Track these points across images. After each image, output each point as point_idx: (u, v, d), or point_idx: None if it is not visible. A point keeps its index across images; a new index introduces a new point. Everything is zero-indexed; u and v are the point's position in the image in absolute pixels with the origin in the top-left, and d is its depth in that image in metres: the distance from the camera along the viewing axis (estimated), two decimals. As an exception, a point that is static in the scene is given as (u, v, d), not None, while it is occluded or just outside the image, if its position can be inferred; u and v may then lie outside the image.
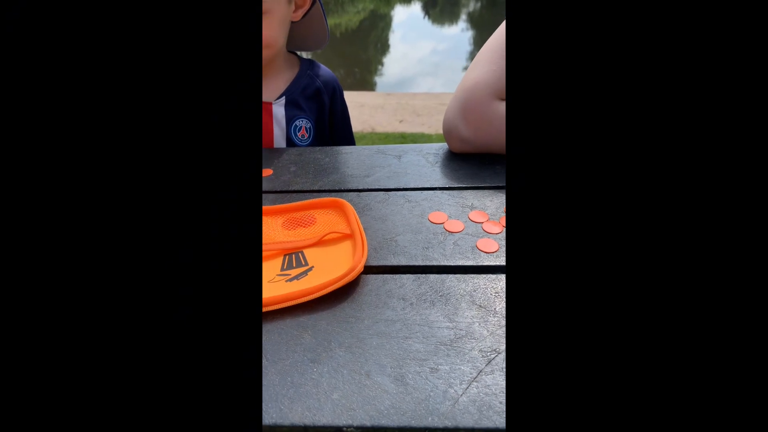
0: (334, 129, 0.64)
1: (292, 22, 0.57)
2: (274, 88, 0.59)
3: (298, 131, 0.59)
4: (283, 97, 0.58)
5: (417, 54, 5.41)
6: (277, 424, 0.22)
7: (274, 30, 0.52)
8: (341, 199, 0.38)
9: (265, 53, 0.54)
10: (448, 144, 0.49)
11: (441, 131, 2.51)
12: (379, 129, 2.55)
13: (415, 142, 2.31)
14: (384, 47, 5.83)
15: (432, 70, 4.71)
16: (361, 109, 2.90)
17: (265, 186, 0.44)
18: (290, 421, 0.22)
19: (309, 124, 0.60)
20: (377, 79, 4.38)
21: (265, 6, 0.49)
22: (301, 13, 0.56)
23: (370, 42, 6.03)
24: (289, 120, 0.58)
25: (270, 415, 0.22)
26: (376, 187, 0.43)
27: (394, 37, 6.51)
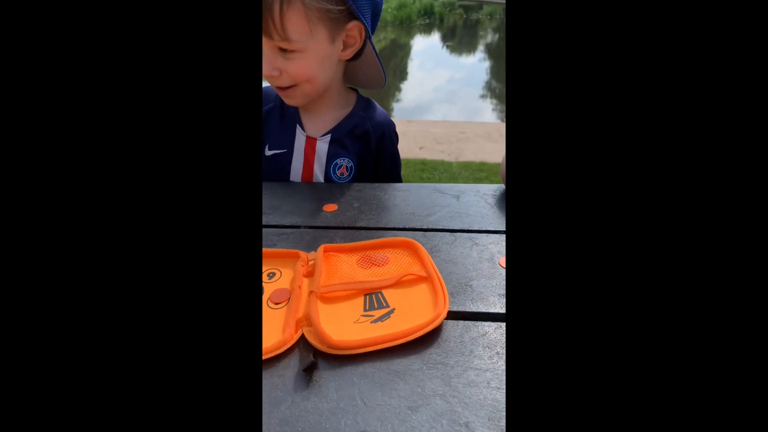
0: (381, 171, 0.65)
1: (348, 61, 0.59)
2: (322, 125, 0.61)
3: (338, 169, 0.60)
4: (329, 134, 0.60)
5: (434, 82, 5.53)
6: (388, 473, 0.22)
7: (312, 67, 0.54)
8: (413, 240, 0.39)
9: (307, 89, 0.56)
10: (506, 187, 0.50)
11: (461, 159, 2.55)
12: (401, 155, 2.59)
13: (435, 169, 2.34)
14: (402, 74, 5.98)
15: (448, 98, 4.81)
16: (382, 134, 2.96)
17: (332, 221, 0.46)
18: (399, 470, 0.22)
19: (350, 164, 0.61)
20: (395, 105, 4.48)
21: (299, 45, 0.51)
22: (350, 52, 0.56)
23: (389, 70, 6.21)
24: (330, 157, 0.60)
25: (377, 462, 0.23)
26: (440, 227, 0.44)
27: (412, 65, 6.68)
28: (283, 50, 0.51)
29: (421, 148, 2.72)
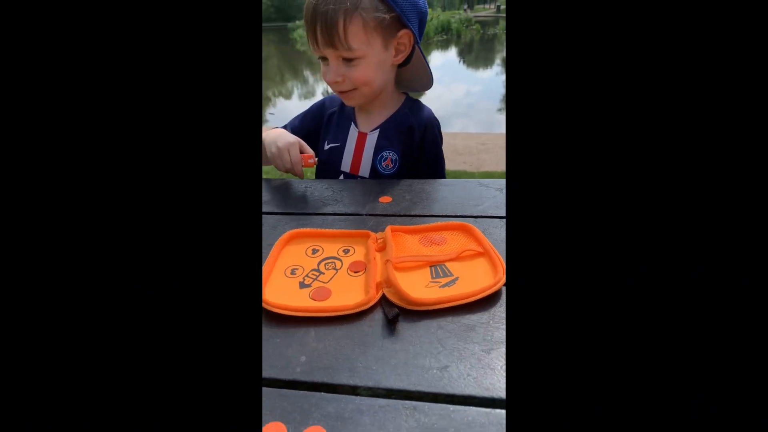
0: (425, 164, 0.71)
1: (399, 66, 0.66)
2: (372, 121, 0.68)
3: (384, 161, 0.67)
4: (377, 130, 0.67)
5: (451, 95, 5.61)
6: (472, 395, 0.27)
7: (370, 72, 0.61)
8: (468, 224, 0.44)
9: (365, 91, 0.63)
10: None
11: (482, 169, 2.58)
12: (422, 165, 2.65)
13: (458, 179, 2.39)
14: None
15: (466, 111, 4.87)
16: (404, 146, 3.03)
17: (389, 210, 0.52)
18: (481, 393, 0.27)
19: (395, 156, 0.67)
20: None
21: (359, 53, 0.59)
22: (401, 57, 0.64)
23: (407, 84, 6.33)
24: (377, 150, 0.67)
25: (463, 388, 0.27)
26: (489, 214, 0.49)
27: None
28: (345, 59, 0.59)
29: (442, 158, 2.77)
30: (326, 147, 0.70)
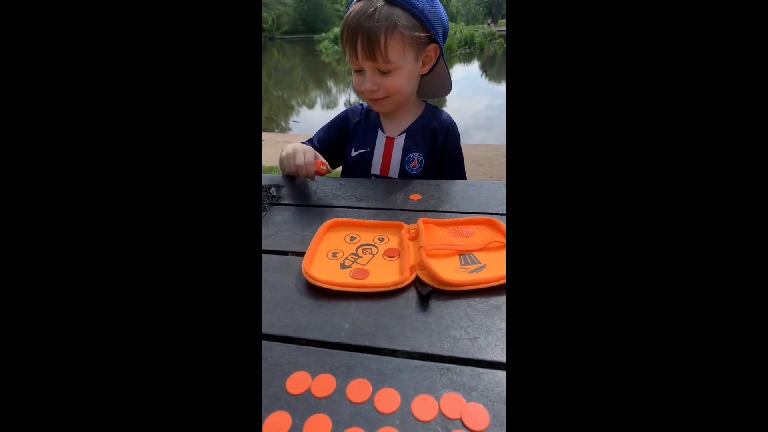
0: (447, 164, 0.76)
1: (422, 75, 0.72)
2: (398, 127, 0.74)
3: (411, 162, 0.73)
4: (404, 134, 0.73)
5: (472, 108, 5.64)
6: (499, 361, 0.30)
7: (402, 82, 0.67)
8: (494, 219, 0.48)
9: (396, 99, 0.69)
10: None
11: (502, 179, 2.60)
12: (442, 175, 2.69)
13: (483, 181, 2.41)
14: (441, 101, 6.15)
15: (486, 124, 4.89)
16: (424, 155, 3.08)
17: (418, 206, 0.56)
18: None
19: (421, 158, 0.73)
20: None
21: (395, 64, 0.65)
22: (427, 68, 0.71)
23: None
24: (405, 152, 0.72)
25: (490, 355, 0.31)
26: (513, 213, 0.52)
27: (451, 93, 6.86)
28: (381, 71, 0.65)
29: (462, 169, 2.80)
30: (354, 153, 0.75)
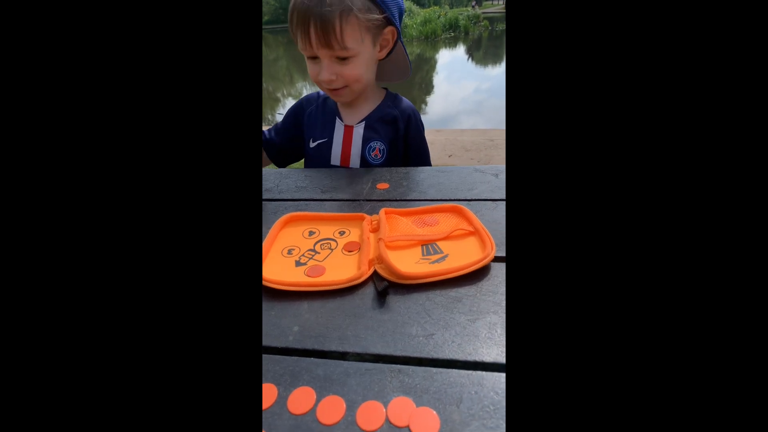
0: (412, 155, 0.73)
1: (379, 60, 0.68)
2: (358, 114, 0.70)
3: (372, 151, 0.69)
4: (364, 122, 0.69)
5: (460, 93, 5.59)
6: (454, 359, 0.28)
7: (361, 69, 0.63)
8: (460, 205, 0.45)
9: (355, 87, 0.65)
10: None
11: (490, 165, 2.58)
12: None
13: (455, 166, 2.39)
14: (428, 87, 6.08)
15: (475, 108, 4.84)
16: (411, 143, 3.05)
17: (385, 196, 0.53)
18: (463, 357, 0.28)
19: (383, 147, 0.70)
20: (422, 118, 4.56)
21: (353, 51, 0.60)
22: (385, 52, 0.67)
23: (415, 83, 6.32)
24: (365, 141, 0.69)
25: (446, 353, 0.29)
26: (483, 197, 0.50)
27: (438, 78, 6.78)
28: (339, 58, 0.61)
29: (450, 156, 2.78)
30: (312, 144, 0.72)
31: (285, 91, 6.55)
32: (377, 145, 0.69)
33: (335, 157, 0.70)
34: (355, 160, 0.69)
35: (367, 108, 0.71)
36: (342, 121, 0.70)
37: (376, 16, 0.60)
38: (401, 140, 0.71)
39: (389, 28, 0.64)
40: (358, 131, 0.69)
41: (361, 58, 0.62)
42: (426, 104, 5.19)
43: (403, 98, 0.74)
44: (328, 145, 0.70)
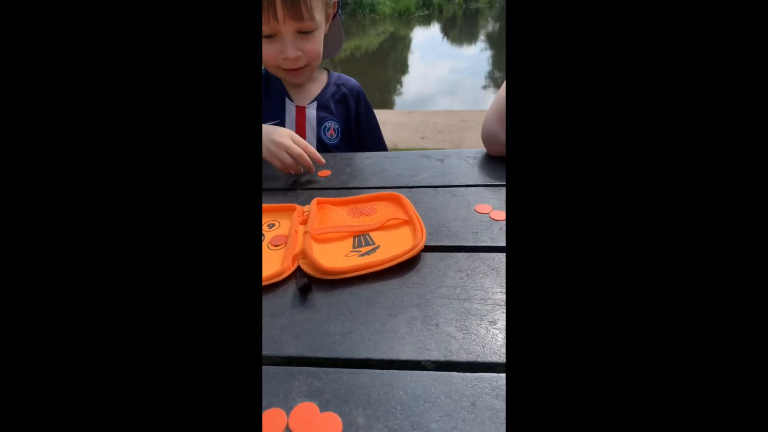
0: (363, 130, 0.71)
1: None
2: (307, 95, 0.67)
3: (327, 131, 0.67)
4: (315, 101, 0.66)
5: (436, 73, 5.53)
6: (368, 358, 0.27)
7: (319, 44, 0.60)
8: (397, 193, 0.44)
9: (314, 65, 0.62)
10: (486, 149, 0.54)
11: (462, 147, 2.58)
12: (402, 145, 2.62)
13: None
14: (403, 67, 5.98)
15: (451, 89, 4.81)
16: (384, 126, 2.99)
17: (326, 184, 0.51)
18: (378, 356, 0.27)
19: (337, 126, 0.68)
20: (396, 98, 4.48)
21: (317, 23, 0.57)
22: (328, 26, 0.63)
23: (389, 63, 6.21)
24: (320, 121, 0.66)
25: (361, 352, 0.27)
26: (425, 185, 0.49)
27: (413, 58, 6.68)
28: (301, 33, 0.57)
29: (422, 138, 2.75)
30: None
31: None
32: (332, 125, 0.67)
33: None
34: (311, 141, 0.66)
35: (315, 88, 0.68)
36: (293, 101, 0.67)
37: None
38: (353, 118, 0.69)
39: (335, 1, 0.61)
40: (311, 112, 0.66)
41: (320, 32, 0.59)
42: (401, 84, 5.11)
43: (345, 76, 0.72)
44: (281, 127, 0.67)
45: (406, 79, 5.31)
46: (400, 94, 4.75)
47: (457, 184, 0.48)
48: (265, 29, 0.57)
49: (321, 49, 0.61)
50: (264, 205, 0.44)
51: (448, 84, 4.99)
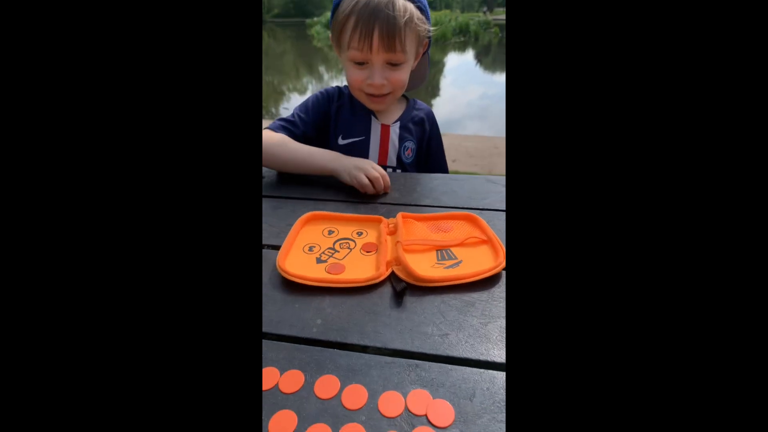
0: (432, 152, 0.78)
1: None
2: (391, 115, 0.74)
3: (406, 150, 0.73)
4: (399, 122, 0.73)
5: (466, 98, 5.61)
6: (468, 358, 0.30)
7: (406, 75, 0.67)
8: (474, 214, 0.48)
9: (398, 94, 0.69)
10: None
11: (493, 172, 2.61)
12: (433, 165, 2.68)
13: (467, 174, 2.42)
14: (434, 90, 6.10)
15: (480, 113, 4.86)
16: (416, 145, 3.08)
17: (400, 200, 0.55)
18: (476, 357, 0.31)
19: (413, 146, 0.74)
20: (428, 119, 4.55)
21: (406, 57, 0.64)
22: (417, 61, 0.71)
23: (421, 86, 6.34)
24: (401, 140, 0.73)
25: (459, 352, 0.31)
26: (494, 207, 0.52)
27: (445, 81, 6.80)
28: (390, 64, 0.64)
29: (453, 160, 2.80)
30: (342, 141, 0.72)
31: (291, 85, 6.56)
32: (410, 145, 0.74)
33: (373, 156, 0.72)
34: (392, 159, 0.73)
35: (398, 110, 0.75)
36: (378, 120, 0.72)
37: (428, 27, 0.65)
38: (426, 140, 0.76)
39: (426, 40, 0.69)
40: (395, 130, 0.72)
41: (408, 65, 0.66)
42: (431, 106, 5.18)
43: (420, 101, 0.79)
44: (364, 143, 0.72)
45: (437, 102, 5.41)
46: (430, 115, 4.81)
47: (525, 210, 0.52)
48: (359, 56, 0.63)
49: (406, 81, 0.67)
50: (352, 215, 0.49)
51: (478, 109, 5.05)
